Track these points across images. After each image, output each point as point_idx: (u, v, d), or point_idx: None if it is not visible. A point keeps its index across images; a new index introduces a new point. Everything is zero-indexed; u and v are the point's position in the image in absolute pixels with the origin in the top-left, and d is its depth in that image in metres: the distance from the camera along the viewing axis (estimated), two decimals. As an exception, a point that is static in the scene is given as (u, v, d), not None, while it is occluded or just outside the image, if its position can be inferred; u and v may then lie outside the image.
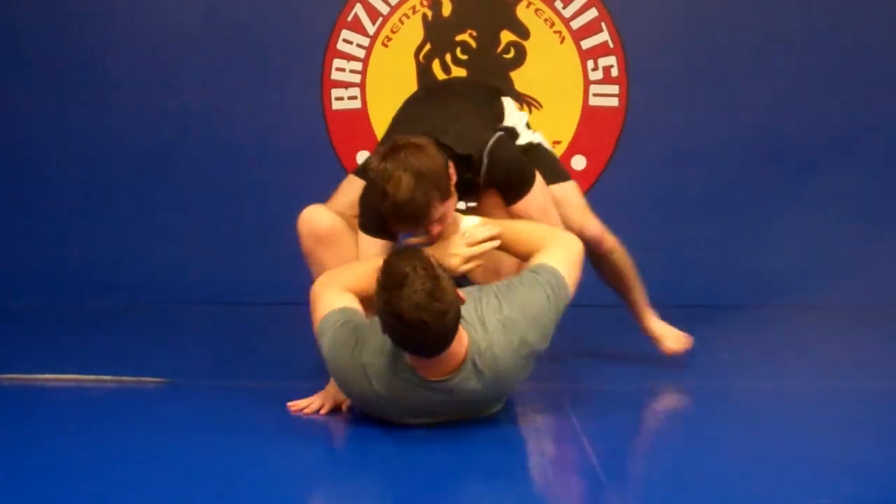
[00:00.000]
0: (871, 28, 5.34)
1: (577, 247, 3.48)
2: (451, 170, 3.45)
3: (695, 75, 5.34)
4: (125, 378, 3.85)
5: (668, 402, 3.87)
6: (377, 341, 3.22)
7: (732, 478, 2.92)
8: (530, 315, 3.27)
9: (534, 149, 3.94)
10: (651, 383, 3.92)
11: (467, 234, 3.45)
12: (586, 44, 5.31)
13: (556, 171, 3.96)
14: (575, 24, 5.30)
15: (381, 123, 5.33)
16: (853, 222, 5.36)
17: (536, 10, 5.28)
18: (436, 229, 3.44)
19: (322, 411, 3.48)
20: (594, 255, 4.04)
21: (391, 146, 3.38)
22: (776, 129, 5.34)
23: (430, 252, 3.24)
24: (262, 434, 3.27)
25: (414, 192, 3.29)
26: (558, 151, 5.31)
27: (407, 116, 3.84)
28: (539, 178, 3.71)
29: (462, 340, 3.17)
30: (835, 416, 3.54)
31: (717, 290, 5.35)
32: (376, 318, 3.16)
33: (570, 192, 4.00)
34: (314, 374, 3.95)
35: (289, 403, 3.51)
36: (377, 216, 3.48)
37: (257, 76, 5.33)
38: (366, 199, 3.56)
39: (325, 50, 5.33)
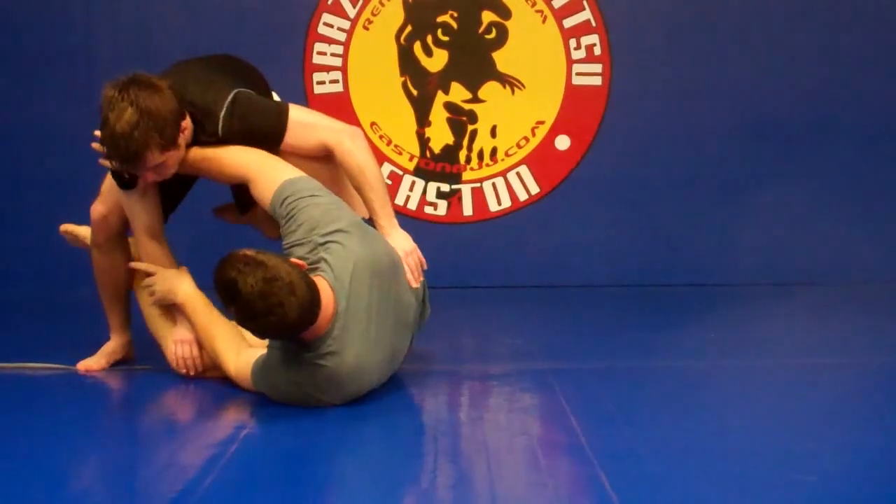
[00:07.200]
0: (854, 6, 5.29)
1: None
2: (186, 122, 3.35)
3: (678, 53, 5.30)
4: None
5: (655, 380, 3.67)
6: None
7: (718, 455, 2.87)
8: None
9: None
10: (638, 361, 3.85)
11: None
12: (568, 22, 5.27)
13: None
14: (556, 3, 5.25)
15: (363, 106, 5.31)
16: (838, 200, 5.29)
17: (517, -10, 5.26)
18: (150, 177, 3.36)
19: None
20: None
21: (129, 78, 3.28)
22: (761, 106, 5.29)
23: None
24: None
25: (134, 128, 3.19)
26: (542, 132, 5.29)
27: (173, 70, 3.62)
28: (292, 106, 3.54)
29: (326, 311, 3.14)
30: (822, 393, 3.49)
31: (703, 268, 5.31)
32: None
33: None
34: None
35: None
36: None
37: (238, 61, 5.30)
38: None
39: (306, 34, 5.31)
